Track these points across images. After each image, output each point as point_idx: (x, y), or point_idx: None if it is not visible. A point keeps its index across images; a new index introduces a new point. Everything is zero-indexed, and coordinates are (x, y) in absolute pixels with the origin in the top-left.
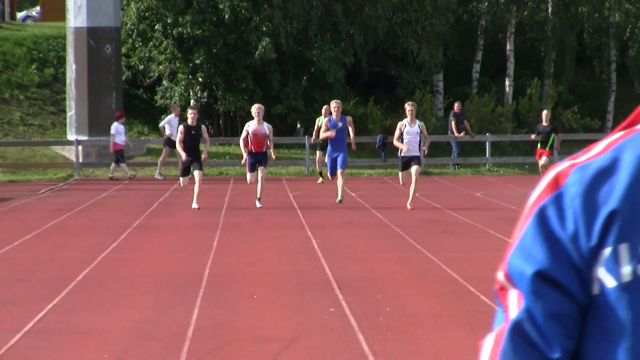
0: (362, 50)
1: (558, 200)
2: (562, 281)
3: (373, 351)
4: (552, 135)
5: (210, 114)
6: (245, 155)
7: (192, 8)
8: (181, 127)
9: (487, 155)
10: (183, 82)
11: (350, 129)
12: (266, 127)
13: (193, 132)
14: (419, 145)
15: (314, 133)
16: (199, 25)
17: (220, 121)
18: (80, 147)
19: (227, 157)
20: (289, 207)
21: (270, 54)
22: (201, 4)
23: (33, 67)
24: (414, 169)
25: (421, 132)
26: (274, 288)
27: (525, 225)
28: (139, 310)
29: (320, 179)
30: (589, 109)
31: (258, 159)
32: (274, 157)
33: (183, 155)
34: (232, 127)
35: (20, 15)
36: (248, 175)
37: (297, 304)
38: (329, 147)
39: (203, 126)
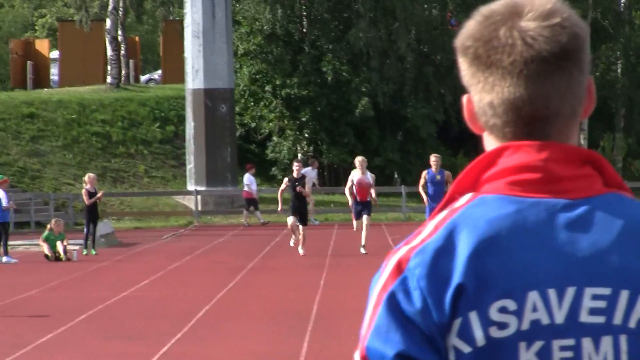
0: (451, 108)
1: (404, 284)
2: (421, 358)
3: None
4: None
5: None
6: (350, 201)
7: (298, 71)
8: (285, 179)
9: None
10: (291, 138)
11: (448, 183)
12: (369, 177)
13: (297, 183)
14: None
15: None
16: (305, 86)
17: (325, 172)
18: (199, 197)
19: (332, 205)
20: (390, 249)
21: (368, 112)
22: (307, 68)
23: (156, 125)
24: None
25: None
26: None
27: (377, 311)
28: (254, 342)
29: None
30: None
31: (363, 207)
32: (376, 203)
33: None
34: (335, 177)
35: (143, 78)
36: (354, 222)
37: None
38: (428, 201)
39: (307, 177)
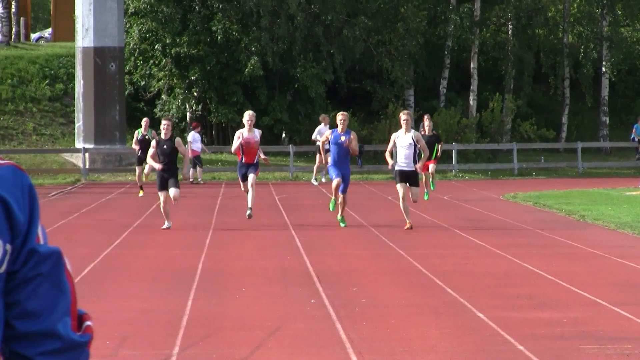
0: (340, 68)
1: None
2: None
3: (350, 338)
4: (436, 145)
5: (204, 124)
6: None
7: (188, 30)
8: (153, 141)
9: (453, 163)
10: (180, 96)
11: (352, 142)
12: (257, 134)
13: (165, 145)
14: (414, 159)
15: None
16: (195, 45)
17: (213, 131)
18: (87, 155)
19: (219, 164)
20: (275, 208)
21: (258, 71)
22: (196, 27)
23: (45, 82)
24: (411, 191)
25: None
26: (260, 281)
27: None
28: (138, 301)
29: (141, 192)
30: (545, 121)
31: (247, 168)
32: (268, 162)
33: (157, 166)
34: (224, 136)
35: (33, 36)
36: (242, 185)
37: (281, 296)
38: (331, 160)
39: (178, 139)
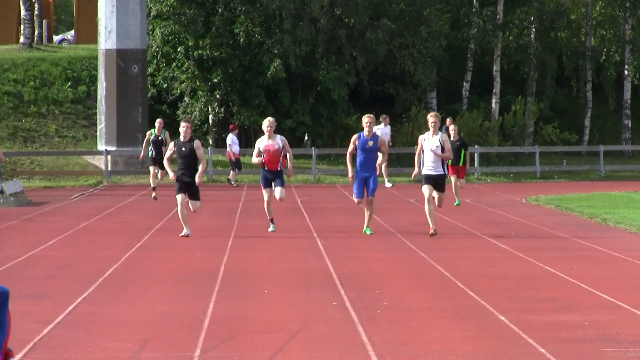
0: (363, 71)
1: None
2: None
3: (371, 341)
4: (462, 151)
5: (227, 127)
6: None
7: (211, 32)
8: (172, 143)
9: (475, 165)
10: (202, 99)
11: (382, 148)
12: (279, 141)
13: (184, 148)
14: (443, 162)
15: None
16: (217, 48)
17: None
18: (109, 157)
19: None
20: (297, 211)
21: (280, 74)
22: (219, 29)
23: (67, 85)
24: (437, 196)
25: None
26: (282, 284)
27: None
28: (161, 303)
29: (154, 194)
30: (567, 124)
31: (274, 176)
32: (289, 174)
33: (171, 175)
34: (246, 139)
35: (56, 38)
36: (263, 192)
37: (303, 299)
38: (357, 166)
39: (197, 141)
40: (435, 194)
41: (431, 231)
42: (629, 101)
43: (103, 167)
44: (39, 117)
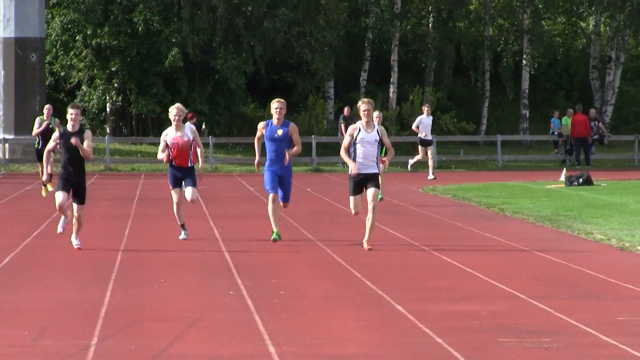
0: (261, 60)
1: None
2: None
3: (268, 330)
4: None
5: (124, 115)
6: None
7: (109, 21)
8: (55, 134)
9: None
10: (100, 87)
11: (294, 136)
12: (189, 132)
13: (71, 139)
14: (377, 158)
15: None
16: (116, 36)
17: (133, 122)
18: (7, 145)
19: (139, 155)
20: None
21: (178, 63)
22: (118, 17)
23: None
24: (371, 192)
25: (381, 139)
26: (179, 272)
27: None
28: (58, 291)
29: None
30: (465, 114)
31: (183, 174)
32: (201, 177)
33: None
34: (143, 127)
35: None
36: (172, 193)
37: (200, 287)
38: (267, 159)
39: (88, 131)
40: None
41: (366, 247)
42: (526, 91)
43: (1, 155)
44: None
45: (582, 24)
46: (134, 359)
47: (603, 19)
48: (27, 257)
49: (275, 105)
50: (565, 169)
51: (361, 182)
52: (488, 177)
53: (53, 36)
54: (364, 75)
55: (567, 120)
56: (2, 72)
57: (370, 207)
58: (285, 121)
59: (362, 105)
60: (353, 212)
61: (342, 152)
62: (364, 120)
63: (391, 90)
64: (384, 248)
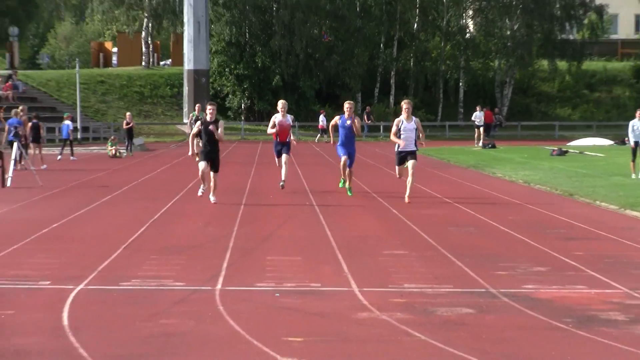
0: (322, 82)
1: None
2: None
3: (327, 222)
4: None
5: (251, 110)
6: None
7: (243, 61)
8: (198, 122)
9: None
10: (238, 96)
11: (356, 124)
12: (289, 118)
13: (210, 127)
14: (415, 141)
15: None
16: (246, 69)
17: (256, 114)
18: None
19: (259, 132)
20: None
21: (279, 83)
22: (247, 59)
23: (167, 87)
24: (410, 163)
25: (417, 128)
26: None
27: None
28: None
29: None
30: (428, 111)
31: (282, 146)
32: (295, 143)
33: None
34: (260, 117)
35: (162, 63)
36: (277, 160)
37: (293, 212)
38: (340, 140)
39: (221, 121)
40: (409, 163)
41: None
42: (462, 98)
43: (187, 131)
44: (152, 105)
45: (492, 64)
46: (258, 234)
47: (503, 61)
48: (187, 197)
49: (347, 105)
50: (481, 140)
51: (404, 157)
52: (441, 144)
53: (213, 68)
54: (376, 91)
55: (482, 114)
56: (186, 88)
57: (410, 171)
58: (351, 116)
59: (404, 105)
60: (398, 176)
61: (392, 137)
62: (404, 114)
63: (391, 98)
64: (417, 201)
